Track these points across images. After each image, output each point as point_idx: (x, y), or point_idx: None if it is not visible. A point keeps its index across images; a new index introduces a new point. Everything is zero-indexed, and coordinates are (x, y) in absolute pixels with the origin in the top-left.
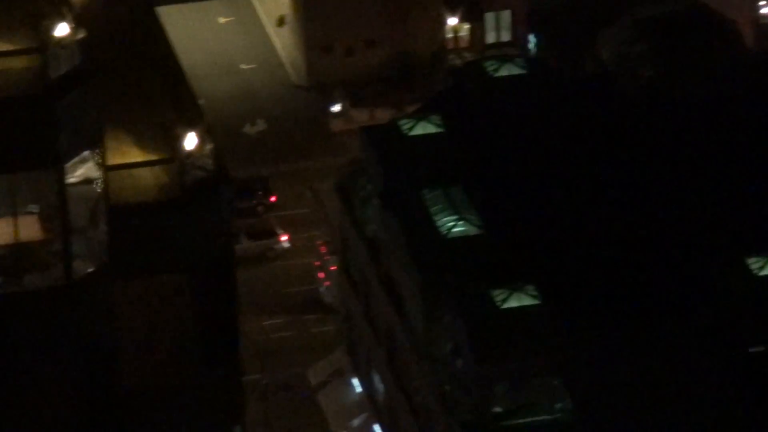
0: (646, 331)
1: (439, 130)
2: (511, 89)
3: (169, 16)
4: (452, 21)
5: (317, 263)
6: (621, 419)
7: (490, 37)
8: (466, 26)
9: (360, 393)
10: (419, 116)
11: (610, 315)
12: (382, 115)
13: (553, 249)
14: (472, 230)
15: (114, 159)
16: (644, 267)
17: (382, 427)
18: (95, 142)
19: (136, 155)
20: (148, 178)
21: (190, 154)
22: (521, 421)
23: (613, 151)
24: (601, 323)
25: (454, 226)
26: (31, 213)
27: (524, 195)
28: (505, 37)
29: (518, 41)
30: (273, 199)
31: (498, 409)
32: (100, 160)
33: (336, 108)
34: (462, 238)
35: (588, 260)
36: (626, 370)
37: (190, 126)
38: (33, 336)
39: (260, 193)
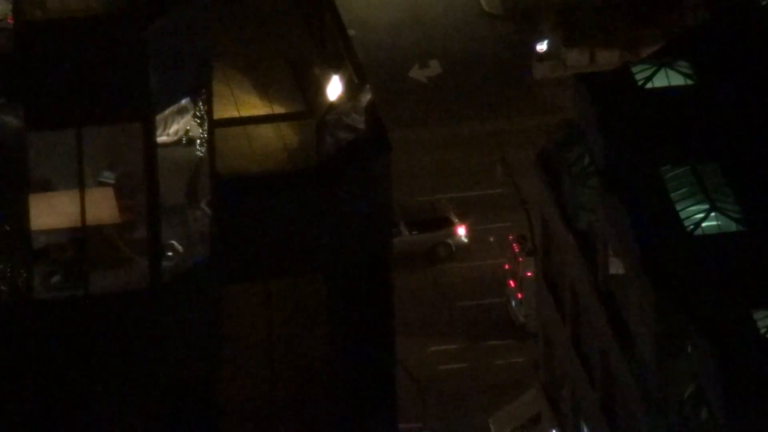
0: None
1: (689, 82)
2: None
3: None
4: None
5: (508, 266)
6: None
7: None
8: None
9: None
10: (661, 61)
11: None
12: (608, 59)
13: None
14: (730, 225)
15: (224, 111)
16: None
17: None
18: (198, 86)
19: (255, 106)
20: (272, 139)
21: (334, 107)
22: None
23: None
24: None
25: (703, 219)
26: (105, 184)
27: None
28: None
29: None
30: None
31: None
32: (204, 113)
33: (542, 47)
34: (714, 237)
35: None
36: None
37: (334, 67)
38: (103, 362)
39: None
